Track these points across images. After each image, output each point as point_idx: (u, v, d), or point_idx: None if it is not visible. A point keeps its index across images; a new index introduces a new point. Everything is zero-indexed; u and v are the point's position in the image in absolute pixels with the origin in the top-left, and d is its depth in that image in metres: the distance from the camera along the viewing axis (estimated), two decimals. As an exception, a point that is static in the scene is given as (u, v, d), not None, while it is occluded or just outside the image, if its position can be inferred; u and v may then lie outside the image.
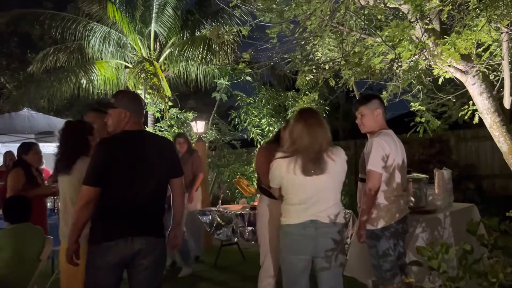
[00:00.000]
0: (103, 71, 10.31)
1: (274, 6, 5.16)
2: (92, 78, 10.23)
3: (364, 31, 4.80)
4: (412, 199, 3.30)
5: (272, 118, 8.46)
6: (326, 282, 2.62)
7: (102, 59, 10.45)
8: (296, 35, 5.38)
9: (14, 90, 12.82)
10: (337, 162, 2.59)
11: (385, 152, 2.74)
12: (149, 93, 9.78)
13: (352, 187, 6.42)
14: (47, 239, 3.15)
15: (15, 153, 4.93)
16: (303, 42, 5.72)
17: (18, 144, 7.60)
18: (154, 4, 10.30)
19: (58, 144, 2.83)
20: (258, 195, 3.95)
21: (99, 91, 10.56)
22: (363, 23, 4.82)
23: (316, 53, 5.64)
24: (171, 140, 2.72)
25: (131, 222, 2.32)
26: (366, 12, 4.72)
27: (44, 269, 3.25)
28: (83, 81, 10.19)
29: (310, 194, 2.56)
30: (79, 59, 10.55)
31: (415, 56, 4.01)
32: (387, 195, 2.78)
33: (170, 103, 10.02)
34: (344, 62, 5.17)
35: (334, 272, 2.61)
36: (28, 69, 10.78)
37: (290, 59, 6.02)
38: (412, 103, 5.02)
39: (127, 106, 2.45)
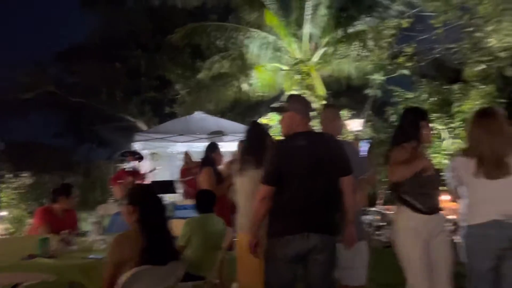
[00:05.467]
0: (261, 75, 10.97)
1: (441, -7, 4.82)
2: (251, 82, 10.99)
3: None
4: None
5: (434, 114, 7.84)
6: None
7: (259, 63, 11.12)
8: (463, 22, 4.93)
9: (187, 96, 14.59)
10: None
11: None
12: (303, 94, 10.04)
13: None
14: (227, 229, 3.54)
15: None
16: (471, 29, 5.20)
17: (194, 144, 8.63)
18: (308, 6, 10.52)
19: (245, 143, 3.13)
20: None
21: (258, 94, 11.28)
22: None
23: (488, 40, 5.07)
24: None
25: (307, 219, 2.45)
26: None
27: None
28: (244, 85, 11.02)
29: (495, 193, 2.47)
30: (240, 65, 11.41)
31: None
32: None
33: (323, 102, 10.13)
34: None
35: None
36: (198, 76, 12.14)
37: (457, 49, 5.54)
38: None
39: (298, 109, 2.62)
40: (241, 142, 4.38)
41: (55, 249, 2.95)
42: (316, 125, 9.44)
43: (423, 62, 5.95)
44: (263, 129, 3.16)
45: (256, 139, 3.08)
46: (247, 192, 2.99)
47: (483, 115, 2.57)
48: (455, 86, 7.58)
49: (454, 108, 7.49)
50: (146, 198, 2.35)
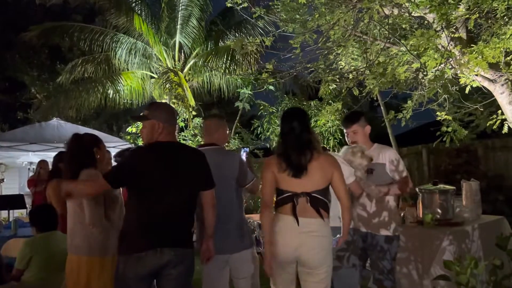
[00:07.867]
0: (129, 82, 10.51)
1: (298, 16, 5.19)
2: (118, 88, 10.44)
3: (388, 40, 4.77)
4: (439, 211, 3.26)
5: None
6: None
7: (128, 69, 10.66)
8: (319, 45, 5.40)
9: (44, 100, 13.23)
10: None
11: None
12: (173, 103, 9.91)
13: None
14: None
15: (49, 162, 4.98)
16: (326, 52, 5.73)
17: (48, 153, 7.82)
18: (179, 16, 10.47)
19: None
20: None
21: (125, 101, 10.78)
22: (387, 32, 4.80)
23: (339, 62, 5.62)
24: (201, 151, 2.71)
25: (160, 233, 2.32)
26: (390, 21, 4.70)
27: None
28: (110, 91, 10.40)
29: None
30: (106, 70, 10.78)
31: (441, 65, 3.96)
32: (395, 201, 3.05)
33: (194, 113, 10.12)
34: (368, 71, 5.15)
35: None
36: (58, 79, 11.12)
37: (313, 69, 6.04)
38: (438, 113, 4.95)
39: (161, 117, 2.46)
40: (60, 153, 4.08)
41: None
42: (187, 135, 9.24)
43: (283, 79, 6.32)
44: (89, 141, 2.93)
45: (77, 151, 2.85)
46: (74, 209, 2.77)
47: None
48: (312, 102, 8.34)
49: (311, 123, 8.17)
50: None
